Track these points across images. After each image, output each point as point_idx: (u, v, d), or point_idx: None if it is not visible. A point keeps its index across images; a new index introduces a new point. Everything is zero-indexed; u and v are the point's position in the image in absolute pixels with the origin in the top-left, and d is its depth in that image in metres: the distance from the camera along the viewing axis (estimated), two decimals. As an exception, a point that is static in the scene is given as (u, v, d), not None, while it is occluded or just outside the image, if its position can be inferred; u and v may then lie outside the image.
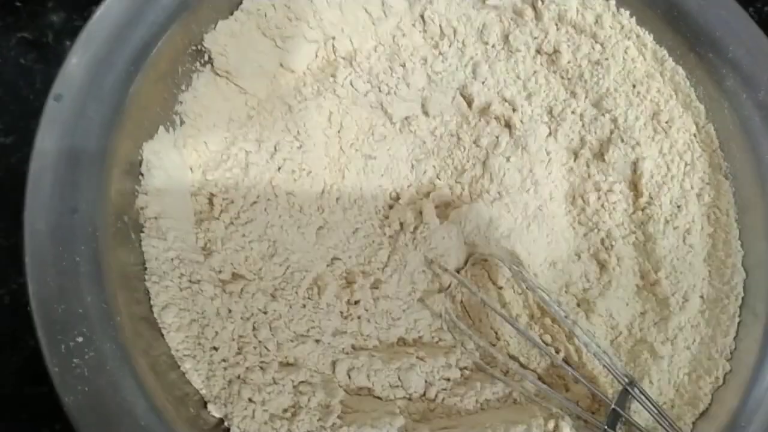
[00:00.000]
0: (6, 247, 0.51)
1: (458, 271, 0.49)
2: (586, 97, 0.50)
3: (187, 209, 0.44)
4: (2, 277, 0.50)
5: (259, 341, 0.42)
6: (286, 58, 0.50)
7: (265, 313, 0.43)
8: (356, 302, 0.47)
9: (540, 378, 0.47)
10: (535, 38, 0.50)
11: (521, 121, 0.51)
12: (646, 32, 0.50)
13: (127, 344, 0.37)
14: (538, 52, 0.51)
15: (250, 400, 0.40)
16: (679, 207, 0.46)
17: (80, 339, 0.36)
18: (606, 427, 0.42)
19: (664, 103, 0.49)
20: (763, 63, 0.47)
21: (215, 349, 0.41)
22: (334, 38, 0.51)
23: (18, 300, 0.49)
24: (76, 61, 0.41)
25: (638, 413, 0.44)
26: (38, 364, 0.48)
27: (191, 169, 0.46)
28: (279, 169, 0.48)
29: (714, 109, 0.49)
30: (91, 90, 0.40)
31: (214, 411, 0.39)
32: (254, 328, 0.42)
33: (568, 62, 0.50)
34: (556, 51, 0.50)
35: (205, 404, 0.40)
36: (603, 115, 0.49)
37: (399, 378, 0.44)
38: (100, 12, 0.42)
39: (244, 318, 0.42)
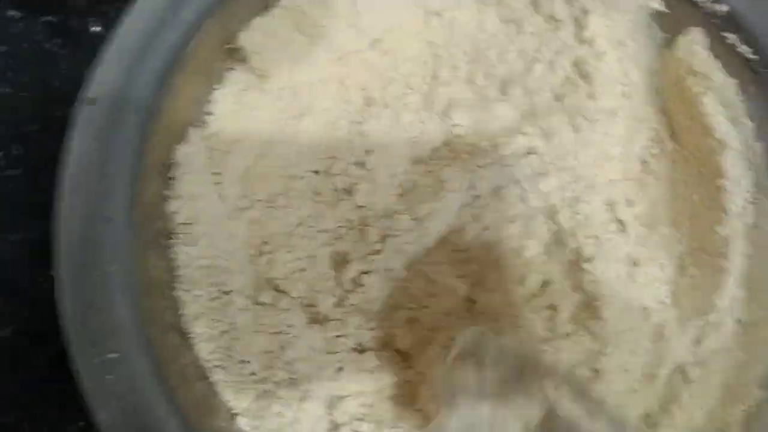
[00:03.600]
0: (36, 239, 0.50)
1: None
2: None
3: (219, 215, 0.44)
4: (29, 273, 0.49)
5: (289, 356, 0.41)
6: (321, 57, 0.48)
7: (294, 326, 0.42)
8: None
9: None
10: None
11: None
12: None
13: (159, 360, 0.37)
14: None
15: (280, 414, 0.39)
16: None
17: (114, 355, 0.35)
18: None
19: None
20: None
21: (245, 362, 0.40)
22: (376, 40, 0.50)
23: (44, 296, 0.49)
24: (109, 63, 0.39)
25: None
26: (65, 361, 0.49)
27: (222, 172, 0.45)
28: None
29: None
30: (124, 92, 0.39)
31: (244, 424, 0.39)
32: (282, 343, 0.41)
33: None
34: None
35: (233, 417, 0.40)
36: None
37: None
38: (132, 12, 0.41)
39: (274, 332, 0.41)
